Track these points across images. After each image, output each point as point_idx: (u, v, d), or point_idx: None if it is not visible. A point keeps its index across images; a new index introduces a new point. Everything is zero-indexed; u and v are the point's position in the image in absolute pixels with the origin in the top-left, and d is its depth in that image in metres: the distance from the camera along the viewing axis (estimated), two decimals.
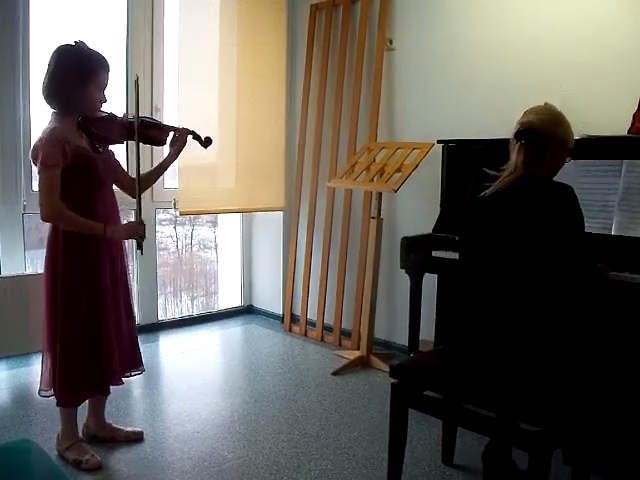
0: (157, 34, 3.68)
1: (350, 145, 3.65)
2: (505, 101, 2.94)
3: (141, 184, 2.25)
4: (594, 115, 2.57)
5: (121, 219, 2.35)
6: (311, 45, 3.93)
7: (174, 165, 2.50)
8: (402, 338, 3.31)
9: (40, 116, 3.20)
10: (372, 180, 3.23)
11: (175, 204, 3.70)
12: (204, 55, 3.65)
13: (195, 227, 4.70)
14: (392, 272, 3.48)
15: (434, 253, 2.65)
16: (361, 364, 3.33)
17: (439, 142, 2.94)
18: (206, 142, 2.42)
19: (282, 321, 4.18)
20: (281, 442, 2.43)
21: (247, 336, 4.00)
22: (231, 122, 3.81)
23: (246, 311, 4.49)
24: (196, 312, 4.41)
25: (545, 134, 1.77)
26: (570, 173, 2.23)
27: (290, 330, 4.04)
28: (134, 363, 2.37)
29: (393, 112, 3.53)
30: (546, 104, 1.86)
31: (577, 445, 1.87)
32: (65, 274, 2.10)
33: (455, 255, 2.42)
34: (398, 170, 3.11)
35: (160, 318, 4.03)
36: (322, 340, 3.82)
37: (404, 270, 2.82)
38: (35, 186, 3.30)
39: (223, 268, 4.62)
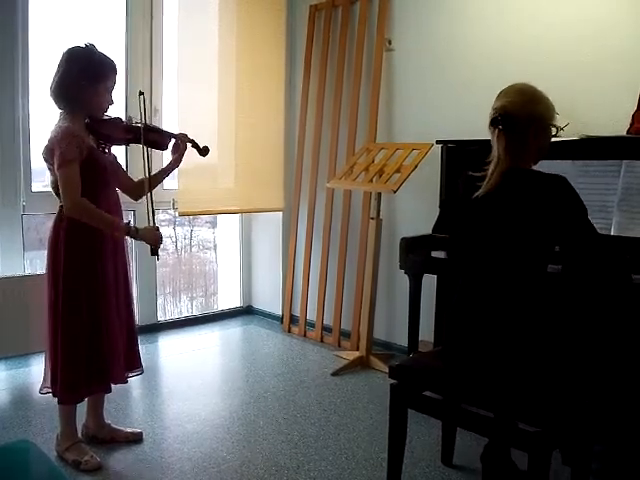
0: (156, 35, 3.68)
1: (349, 146, 3.65)
2: None
3: (144, 188, 2.29)
4: (594, 115, 2.57)
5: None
6: (310, 45, 3.93)
7: None
8: (401, 339, 3.31)
9: (40, 116, 3.21)
10: (371, 181, 3.24)
11: (174, 205, 3.70)
12: (203, 56, 3.65)
13: (194, 228, 4.70)
14: (391, 272, 3.48)
15: (433, 254, 2.65)
16: (360, 365, 3.33)
17: (438, 143, 2.93)
18: (204, 151, 2.48)
19: (281, 322, 4.17)
20: (280, 443, 2.43)
21: (246, 337, 3.99)
22: (230, 123, 3.81)
23: (245, 312, 4.49)
24: (195, 313, 4.41)
25: (522, 115, 1.66)
26: (569, 173, 2.22)
27: (289, 331, 4.04)
28: (134, 363, 2.38)
29: (392, 113, 3.53)
30: (518, 83, 1.73)
31: (576, 445, 1.87)
32: (67, 273, 2.11)
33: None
34: (397, 171, 3.11)
35: (159, 319, 4.03)
36: (321, 341, 3.82)
37: (403, 270, 2.82)
38: (35, 187, 3.31)
39: (222, 269, 4.62)
